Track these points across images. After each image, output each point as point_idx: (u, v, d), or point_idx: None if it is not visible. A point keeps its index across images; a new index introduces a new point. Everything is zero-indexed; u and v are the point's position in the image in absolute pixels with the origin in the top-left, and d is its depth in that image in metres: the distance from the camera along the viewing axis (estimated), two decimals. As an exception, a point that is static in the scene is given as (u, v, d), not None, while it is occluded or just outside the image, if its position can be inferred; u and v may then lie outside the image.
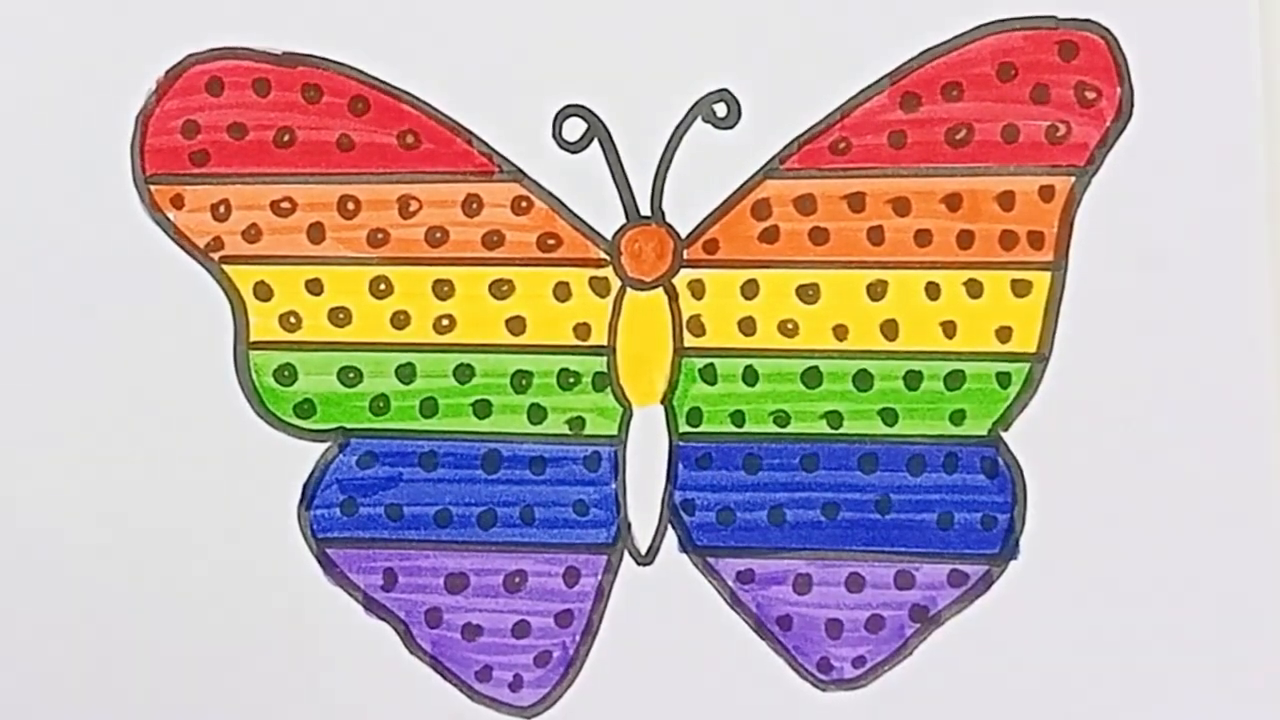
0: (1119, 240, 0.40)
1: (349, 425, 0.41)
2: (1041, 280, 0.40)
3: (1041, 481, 0.40)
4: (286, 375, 0.41)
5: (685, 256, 0.41)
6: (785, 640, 0.41)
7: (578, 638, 0.41)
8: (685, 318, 0.41)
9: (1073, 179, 0.40)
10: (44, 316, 0.41)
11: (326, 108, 0.41)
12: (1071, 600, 0.40)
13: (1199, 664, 0.40)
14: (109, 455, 0.40)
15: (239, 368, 0.41)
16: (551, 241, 0.41)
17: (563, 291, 0.41)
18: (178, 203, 0.41)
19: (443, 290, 0.41)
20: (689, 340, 0.41)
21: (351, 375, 0.41)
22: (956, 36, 0.40)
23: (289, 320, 0.41)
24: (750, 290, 0.41)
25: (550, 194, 0.41)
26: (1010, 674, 0.41)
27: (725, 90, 0.41)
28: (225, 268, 0.41)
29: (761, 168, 0.41)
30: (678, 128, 0.41)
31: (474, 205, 0.41)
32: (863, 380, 0.41)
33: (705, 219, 0.41)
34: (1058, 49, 0.40)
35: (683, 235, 0.41)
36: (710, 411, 0.41)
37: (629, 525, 0.41)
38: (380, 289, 0.41)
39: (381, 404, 0.41)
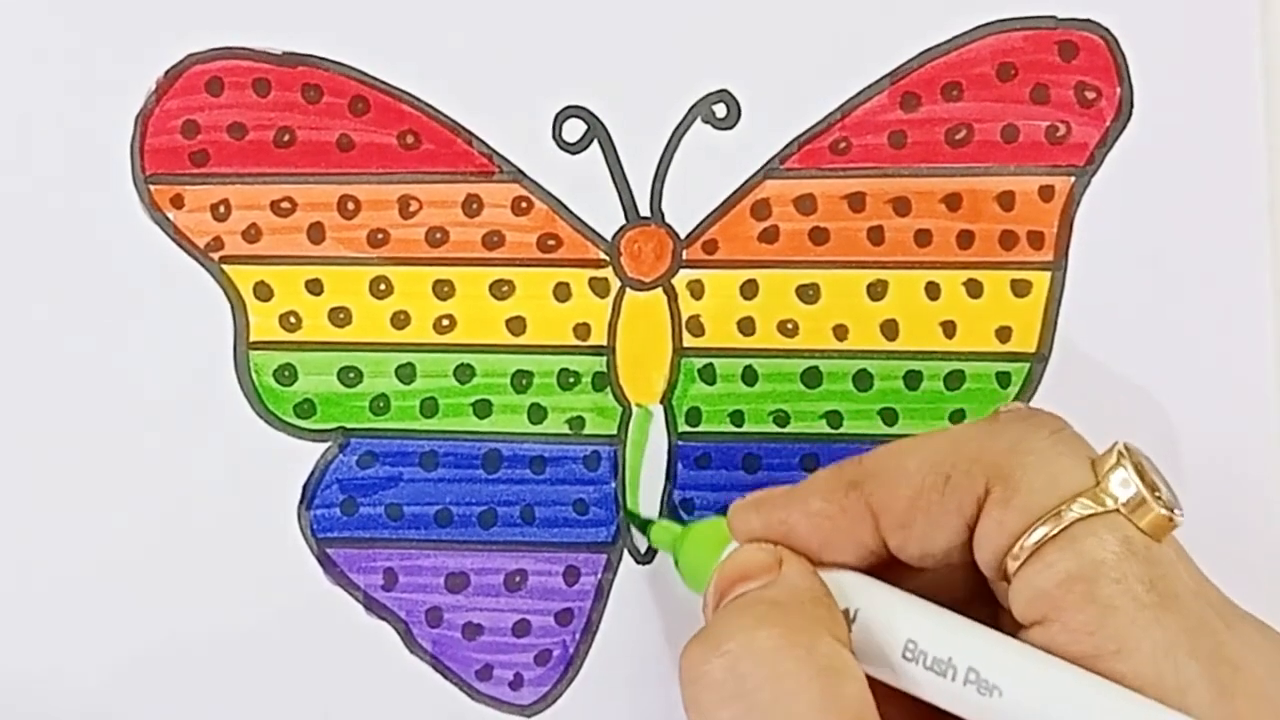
0: (1119, 240, 0.40)
1: (349, 425, 0.41)
2: (1041, 280, 0.40)
3: (1041, 481, 0.40)
4: (286, 375, 0.41)
5: (684, 257, 0.41)
6: (785, 639, 0.41)
7: (578, 636, 0.41)
8: (684, 318, 0.41)
9: (1072, 179, 0.40)
10: (43, 316, 0.41)
11: (326, 108, 0.41)
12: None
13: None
14: (108, 455, 0.40)
15: (239, 368, 0.41)
16: (551, 242, 0.41)
17: (562, 292, 0.41)
18: (178, 202, 0.41)
19: (443, 290, 0.41)
20: (688, 340, 0.41)
21: (352, 375, 0.41)
22: (956, 36, 0.40)
23: (289, 320, 0.41)
24: (750, 290, 0.41)
25: (550, 194, 0.41)
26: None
27: (725, 91, 0.40)
28: (225, 268, 0.41)
29: (761, 168, 0.41)
30: (677, 128, 0.41)
31: (474, 206, 0.41)
32: (862, 380, 0.41)
33: (704, 219, 0.41)
34: (1057, 49, 0.40)
35: (682, 236, 0.41)
36: (709, 411, 0.41)
37: (629, 524, 0.41)
38: (380, 289, 0.41)
39: (382, 404, 0.41)
